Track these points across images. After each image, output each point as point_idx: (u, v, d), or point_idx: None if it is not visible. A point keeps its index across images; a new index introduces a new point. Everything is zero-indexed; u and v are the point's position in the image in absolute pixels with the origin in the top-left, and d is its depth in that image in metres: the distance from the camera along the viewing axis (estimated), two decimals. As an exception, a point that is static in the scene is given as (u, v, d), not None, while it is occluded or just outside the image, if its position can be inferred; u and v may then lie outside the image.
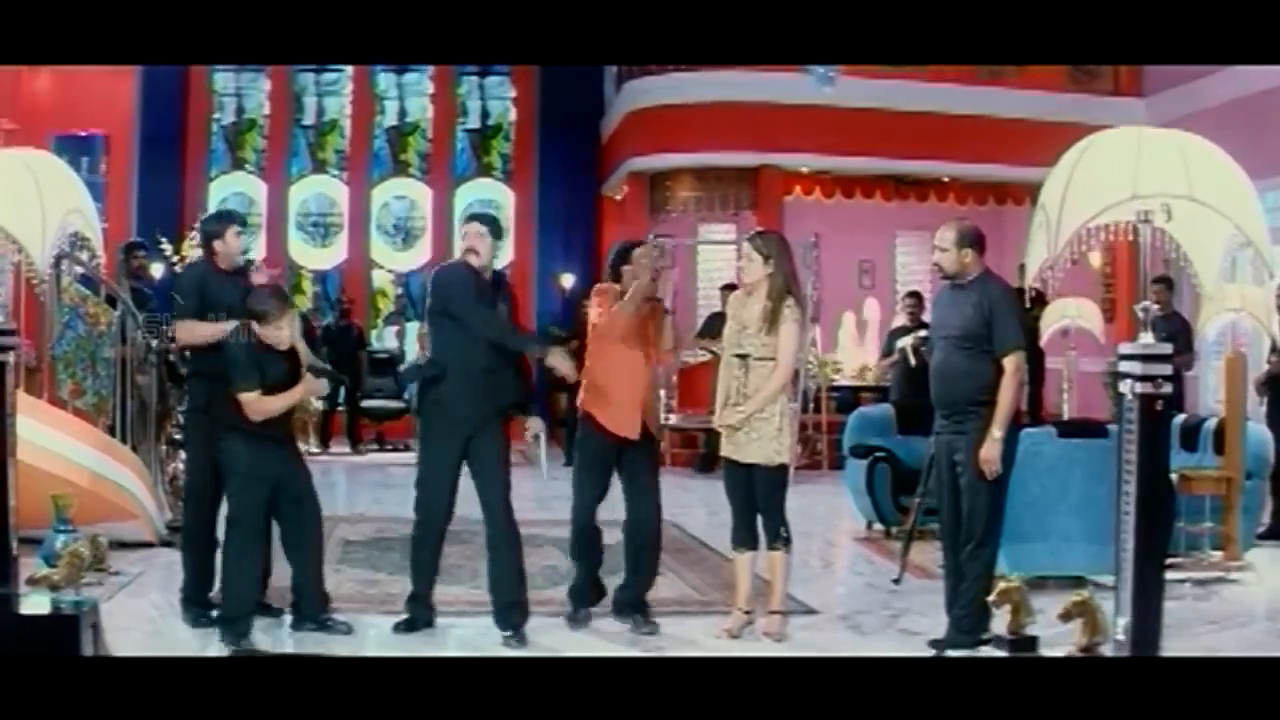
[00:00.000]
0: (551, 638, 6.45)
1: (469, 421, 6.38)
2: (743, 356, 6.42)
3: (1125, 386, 4.56)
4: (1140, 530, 4.43)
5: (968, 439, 6.04)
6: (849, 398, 15.38)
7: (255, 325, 6.20)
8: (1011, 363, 6.00)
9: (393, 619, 6.70)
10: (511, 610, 6.43)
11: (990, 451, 5.95)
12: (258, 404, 6.14)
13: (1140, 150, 4.59)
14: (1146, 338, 4.66)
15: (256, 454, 6.20)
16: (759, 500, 6.44)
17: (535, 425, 6.63)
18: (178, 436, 8.73)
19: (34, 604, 5.13)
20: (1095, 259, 16.95)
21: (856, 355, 16.76)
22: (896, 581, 7.69)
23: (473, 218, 6.74)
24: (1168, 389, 4.52)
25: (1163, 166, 4.51)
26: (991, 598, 5.03)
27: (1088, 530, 7.47)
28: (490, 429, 6.42)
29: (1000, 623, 5.18)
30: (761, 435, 6.35)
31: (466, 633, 6.55)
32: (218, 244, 6.75)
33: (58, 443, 7.78)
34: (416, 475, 6.60)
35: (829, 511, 10.77)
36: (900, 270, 18.08)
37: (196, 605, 6.61)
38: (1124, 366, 4.62)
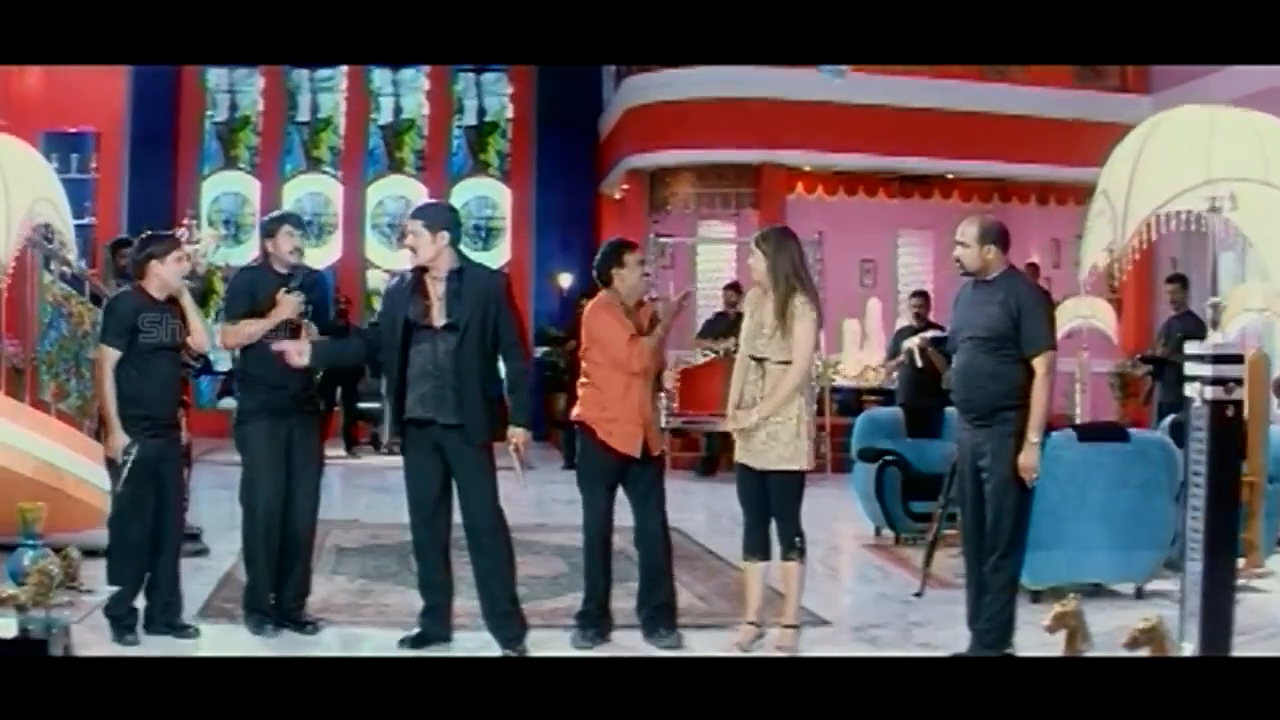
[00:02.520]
0: (554, 652, 6.16)
1: (433, 429, 6.05)
2: (759, 359, 6.13)
3: (1193, 390, 4.26)
4: (1210, 543, 4.15)
5: (994, 444, 5.77)
6: (851, 399, 15.18)
7: (154, 263, 6.18)
8: (1043, 363, 5.73)
9: (387, 631, 6.44)
10: (507, 622, 6.15)
11: (1030, 458, 5.70)
12: (106, 363, 6.08)
13: (1213, 131, 4.31)
14: (1217, 337, 4.37)
15: (143, 452, 6.09)
16: (773, 508, 6.16)
17: (515, 435, 6.14)
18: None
19: (-1, 626, 4.83)
20: (1102, 258, 16.71)
21: (859, 356, 16.51)
22: (918, 594, 7.42)
23: (412, 213, 6.32)
24: (1239, 393, 4.22)
25: (1238, 148, 4.23)
26: (1046, 622, 4.70)
27: (1109, 537, 7.27)
28: (456, 436, 6.03)
29: (1056, 649, 4.86)
30: (778, 440, 6.07)
31: (466, 646, 6.26)
32: (269, 244, 6.57)
33: (40, 447, 7.50)
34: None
35: (834, 516, 10.48)
36: (903, 270, 17.84)
37: (257, 611, 6.46)
38: (1191, 368, 4.33)
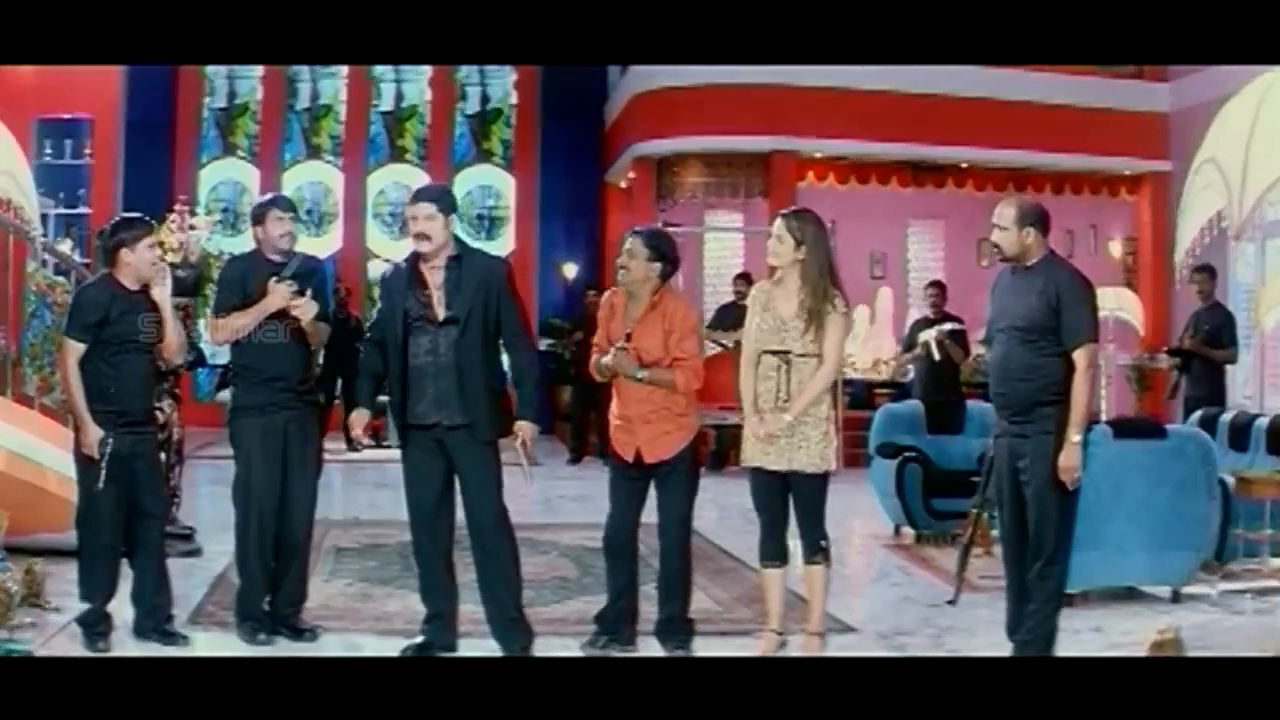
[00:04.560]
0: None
1: (436, 427, 5.71)
2: (782, 353, 5.74)
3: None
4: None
5: (1033, 443, 5.42)
6: (862, 393, 14.85)
7: (124, 251, 5.89)
8: (1084, 356, 5.37)
9: (388, 639, 6.10)
10: (513, 629, 5.82)
11: (1070, 458, 5.35)
12: (70, 356, 5.79)
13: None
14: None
15: (115, 447, 5.81)
16: (799, 510, 5.80)
17: (522, 430, 5.78)
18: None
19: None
20: (1116, 248, 16.41)
21: (869, 348, 16.17)
22: (952, 602, 7.03)
23: (417, 196, 5.81)
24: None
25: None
26: (1145, 650, 4.34)
27: (1145, 538, 6.95)
28: (461, 433, 5.69)
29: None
30: (807, 439, 5.70)
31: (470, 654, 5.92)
32: (258, 230, 6.22)
33: (15, 440, 7.19)
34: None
35: (848, 513, 10.07)
36: (913, 260, 17.53)
37: (250, 619, 6.13)
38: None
